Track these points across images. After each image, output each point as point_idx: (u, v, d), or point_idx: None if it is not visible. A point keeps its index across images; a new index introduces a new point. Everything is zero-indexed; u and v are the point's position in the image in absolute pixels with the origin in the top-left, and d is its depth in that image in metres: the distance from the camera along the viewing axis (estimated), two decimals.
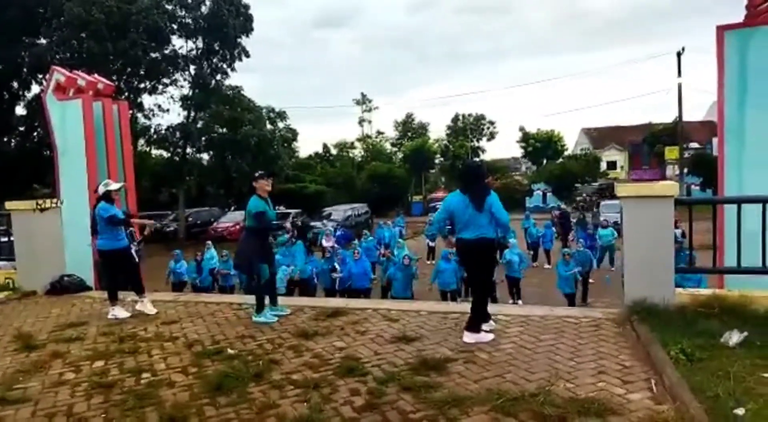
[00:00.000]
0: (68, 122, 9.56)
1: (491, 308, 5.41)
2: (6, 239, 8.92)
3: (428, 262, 16.62)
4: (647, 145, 42.59)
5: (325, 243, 15.16)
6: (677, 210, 5.57)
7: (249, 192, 6.00)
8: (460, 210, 4.95)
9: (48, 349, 5.16)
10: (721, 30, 6.70)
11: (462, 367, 4.25)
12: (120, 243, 6.46)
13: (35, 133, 25.83)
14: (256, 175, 6.02)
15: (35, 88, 25.15)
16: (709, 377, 3.73)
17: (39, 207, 7.82)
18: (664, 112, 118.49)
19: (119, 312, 6.33)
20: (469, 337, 4.84)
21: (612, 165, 55.61)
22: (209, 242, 14.33)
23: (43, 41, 23.82)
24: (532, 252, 17.56)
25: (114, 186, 6.56)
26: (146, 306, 6.47)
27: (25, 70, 24.44)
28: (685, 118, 31.64)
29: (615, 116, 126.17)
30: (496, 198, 4.99)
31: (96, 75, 11.21)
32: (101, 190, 6.42)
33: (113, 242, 6.39)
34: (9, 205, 8.05)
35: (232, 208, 32.69)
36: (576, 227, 18.21)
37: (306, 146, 77.57)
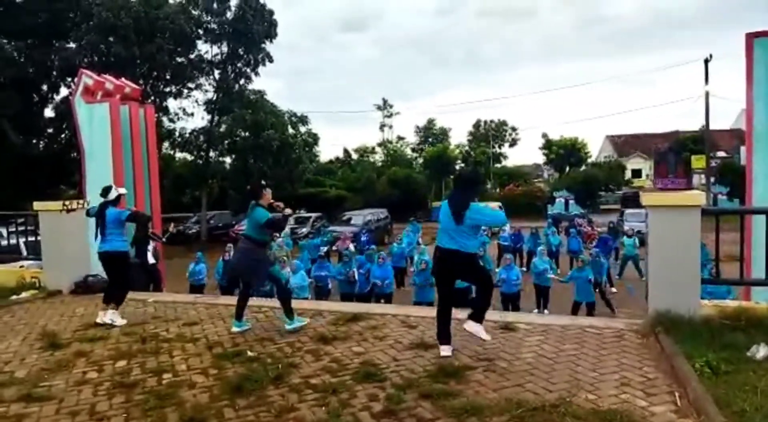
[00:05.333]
0: (95, 124, 9.75)
1: (511, 316, 5.37)
2: (33, 238, 9.10)
3: None
4: (673, 153, 41.90)
5: (340, 246, 15.17)
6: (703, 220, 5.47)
7: (249, 200, 5.76)
8: (443, 217, 4.82)
9: (72, 348, 5.25)
10: (750, 37, 6.60)
11: (481, 376, 4.21)
12: (122, 246, 6.42)
13: (63, 135, 26.33)
14: (263, 183, 5.95)
15: (64, 91, 25.63)
16: (735, 391, 3.65)
17: (66, 207, 7.96)
18: (691, 120, 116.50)
19: (116, 318, 6.21)
20: (471, 326, 4.73)
21: (637, 173, 54.84)
22: (230, 245, 14.43)
23: (72, 45, 24.27)
24: (553, 261, 17.38)
25: (123, 190, 6.79)
26: (110, 317, 6.16)
27: (54, 73, 24.93)
28: (713, 126, 31.08)
29: (640, 124, 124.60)
30: (478, 207, 4.73)
31: (123, 79, 11.43)
32: (114, 194, 6.45)
33: (115, 244, 6.34)
34: (37, 205, 8.20)
35: None
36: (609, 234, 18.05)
37: (327, 150, 78.07)
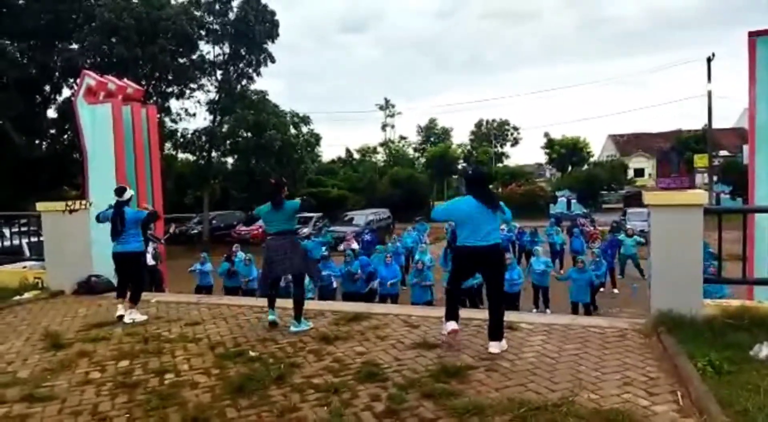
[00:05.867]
0: (98, 125, 9.76)
1: (514, 316, 5.35)
2: (36, 239, 9.12)
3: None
4: (676, 153, 41.92)
5: (344, 246, 15.14)
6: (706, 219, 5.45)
7: (274, 194, 5.71)
8: (473, 216, 4.81)
9: (75, 348, 5.25)
10: (753, 36, 6.58)
11: (483, 375, 4.21)
12: (139, 246, 6.51)
13: (65, 136, 26.37)
14: (284, 180, 6.05)
15: (66, 92, 25.69)
16: (738, 390, 3.64)
17: (69, 208, 7.97)
18: (693, 120, 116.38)
19: (137, 315, 6.34)
20: (495, 347, 4.73)
21: (639, 172, 54.84)
22: (237, 245, 14.38)
23: (74, 46, 24.31)
24: (558, 261, 17.37)
25: (132, 192, 6.82)
26: (131, 316, 6.28)
27: (56, 74, 24.99)
28: (715, 125, 31.03)
29: (642, 123, 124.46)
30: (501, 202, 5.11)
31: (125, 79, 11.45)
32: (128, 194, 6.52)
33: (133, 245, 6.41)
34: (40, 205, 8.21)
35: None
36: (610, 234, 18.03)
37: (328, 150, 78.03)
